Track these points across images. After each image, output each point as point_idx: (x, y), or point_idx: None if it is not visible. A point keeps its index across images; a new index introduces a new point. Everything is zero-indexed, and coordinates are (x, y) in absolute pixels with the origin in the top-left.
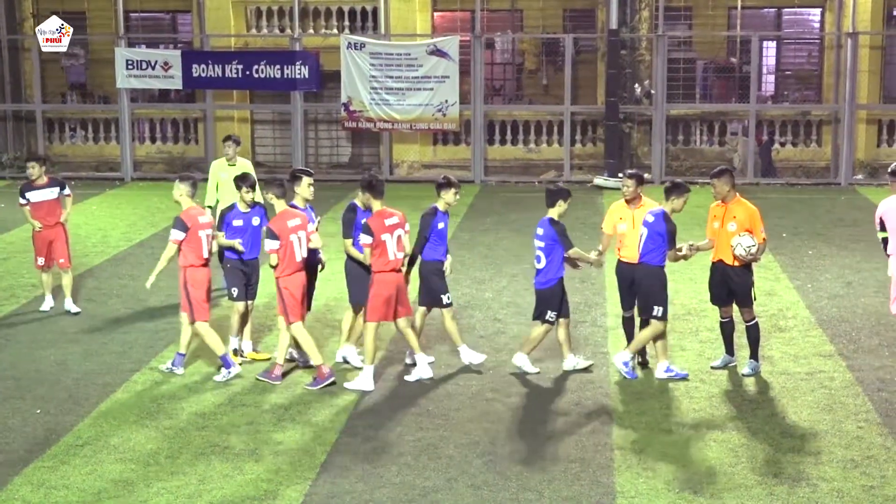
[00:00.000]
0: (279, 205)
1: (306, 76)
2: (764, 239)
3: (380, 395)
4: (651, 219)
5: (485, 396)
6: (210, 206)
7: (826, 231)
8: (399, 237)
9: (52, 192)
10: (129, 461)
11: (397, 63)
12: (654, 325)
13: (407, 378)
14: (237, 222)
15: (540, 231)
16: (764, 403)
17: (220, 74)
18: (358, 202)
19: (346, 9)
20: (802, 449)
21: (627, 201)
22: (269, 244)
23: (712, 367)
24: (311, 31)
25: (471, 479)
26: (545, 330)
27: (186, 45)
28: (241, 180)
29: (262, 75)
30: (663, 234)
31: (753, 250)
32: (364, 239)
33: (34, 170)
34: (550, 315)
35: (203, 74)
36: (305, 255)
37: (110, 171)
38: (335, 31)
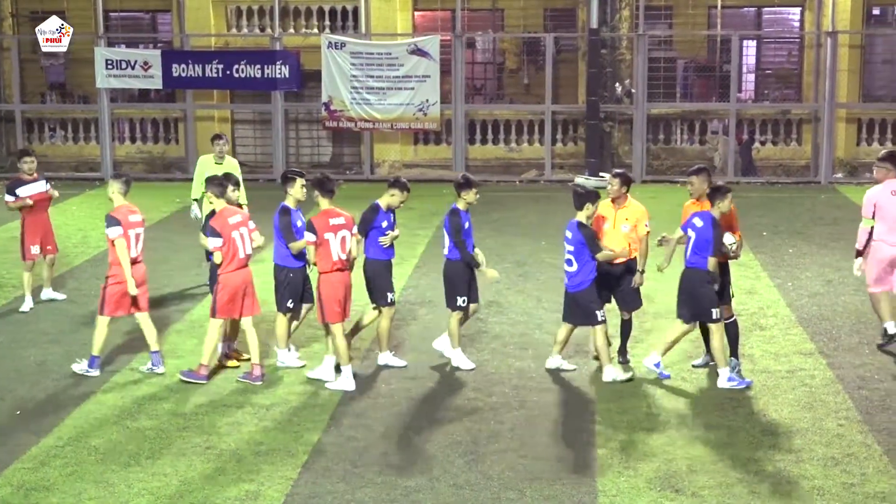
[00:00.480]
0: (218, 203)
1: (287, 76)
2: (740, 236)
3: (362, 396)
4: (700, 223)
5: (466, 396)
6: (196, 200)
7: (806, 229)
8: (343, 238)
9: (43, 185)
10: (110, 462)
11: (378, 62)
12: (717, 328)
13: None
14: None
15: (569, 235)
16: (744, 401)
17: (201, 74)
18: (381, 202)
19: (326, 8)
20: (783, 447)
21: (612, 200)
22: (212, 242)
23: (693, 366)
24: (292, 30)
25: (453, 479)
26: (603, 331)
27: (166, 45)
28: (227, 179)
29: (243, 75)
30: (710, 240)
31: (735, 247)
32: (308, 237)
33: (33, 164)
34: (601, 315)
35: (183, 74)
36: (250, 252)
37: (90, 172)
38: (316, 30)
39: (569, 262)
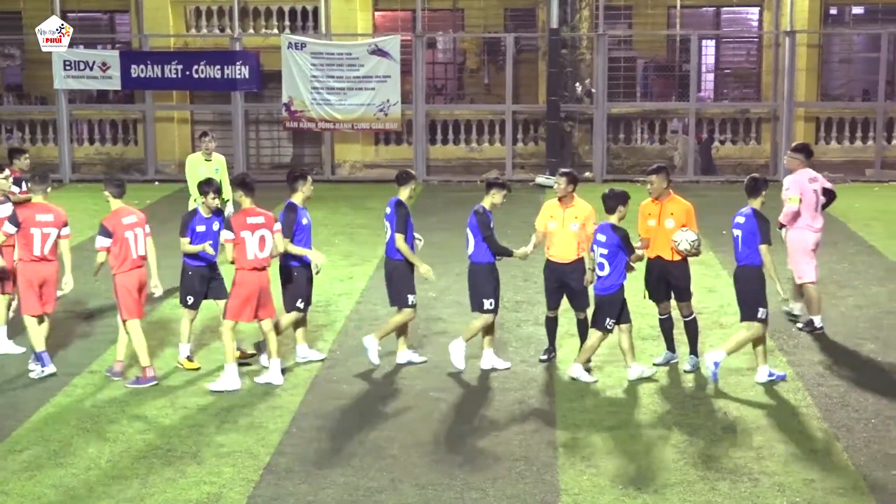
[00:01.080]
0: (115, 203)
1: (247, 76)
2: (698, 234)
3: (323, 396)
4: (742, 220)
5: (429, 396)
6: (195, 199)
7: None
8: (262, 237)
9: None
10: (70, 466)
11: (338, 63)
12: (755, 328)
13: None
14: (200, 228)
15: (602, 238)
16: (705, 399)
17: (160, 75)
18: (402, 196)
19: (286, 8)
20: (744, 444)
21: (559, 200)
22: (101, 241)
23: (654, 364)
24: (252, 30)
25: (415, 479)
26: (600, 338)
27: (125, 46)
28: (207, 185)
29: (202, 76)
30: (756, 233)
31: (697, 244)
32: (225, 235)
33: (27, 161)
34: (609, 323)
35: (142, 75)
36: (143, 253)
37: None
38: (276, 30)
39: (601, 266)
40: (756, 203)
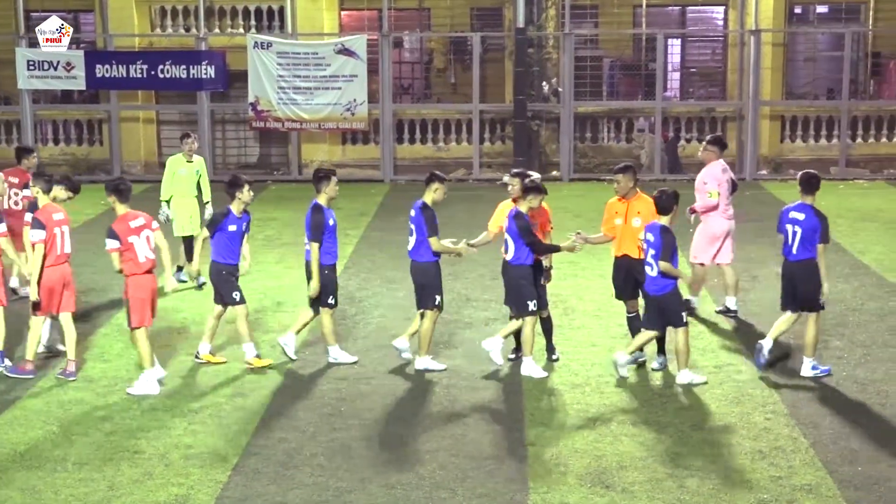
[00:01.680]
0: (42, 199)
1: (212, 76)
2: None
3: (291, 397)
4: (801, 216)
5: (397, 396)
6: (165, 201)
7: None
8: (147, 237)
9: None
10: (36, 469)
11: (305, 62)
12: (815, 318)
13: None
14: (232, 227)
15: (651, 238)
16: (673, 397)
17: (125, 75)
18: (428, 200)
19: (252, 8)
20: (712, 441)
21: (514, 200)
22: (36, 234)
23: (640, 364)
24: (217, 30)
25: (384, 479)
26: (686, 332)
27: (89, 45)
28: (240, 182)
29: (168, 75)
30: (817, 228)
31: None
32: (110, 244)
33: (34, 160)
34: (684, 316)
35: (107, 75)
36: (69, 250)
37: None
38: (241, 30)
39: (650, 266)
40: (810, 200)
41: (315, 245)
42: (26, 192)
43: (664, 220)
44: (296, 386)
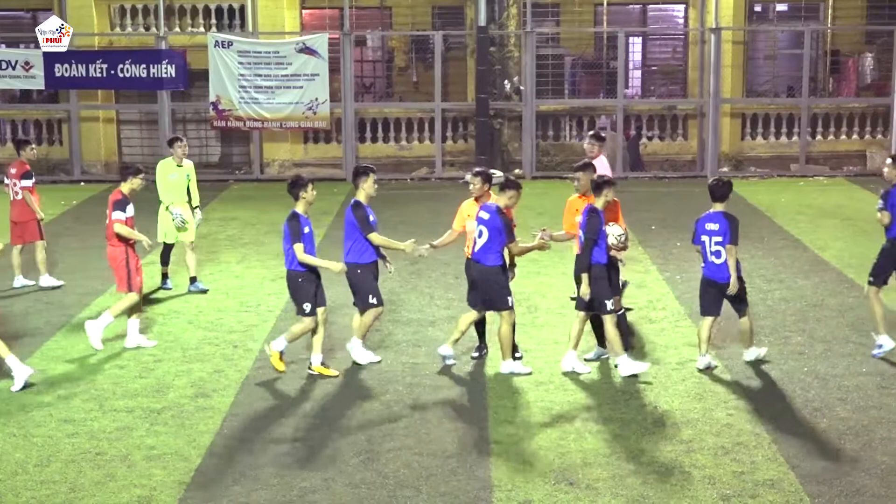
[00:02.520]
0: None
1: (173, 75)
2: (625, 228)
3: (255, 397)
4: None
5: (361, 394)
6: (168, 206)
7: (694, 223)
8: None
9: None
10: None
11: (266, 61)
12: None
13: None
14: (306, 229)
15: (714, 227)
16: (636, 393)
17: (84, 74)
18: (500, 202)
19: (212, 7)
20: (674, 437)
21: (476, 199)
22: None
23: (586, 360)
24: (178, 29)
25: (348, 479)
26: (750, 318)
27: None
28: (303, 181)
29: (128, 74)
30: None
31: (623, 239)
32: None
33: (34, 151)
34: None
35: (66, 74)
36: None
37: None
38: (202, 29)
39: (717, 254)
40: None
41: (374, 236)
42: (25, 183)
43: (720, 208)
44: (259, 386)
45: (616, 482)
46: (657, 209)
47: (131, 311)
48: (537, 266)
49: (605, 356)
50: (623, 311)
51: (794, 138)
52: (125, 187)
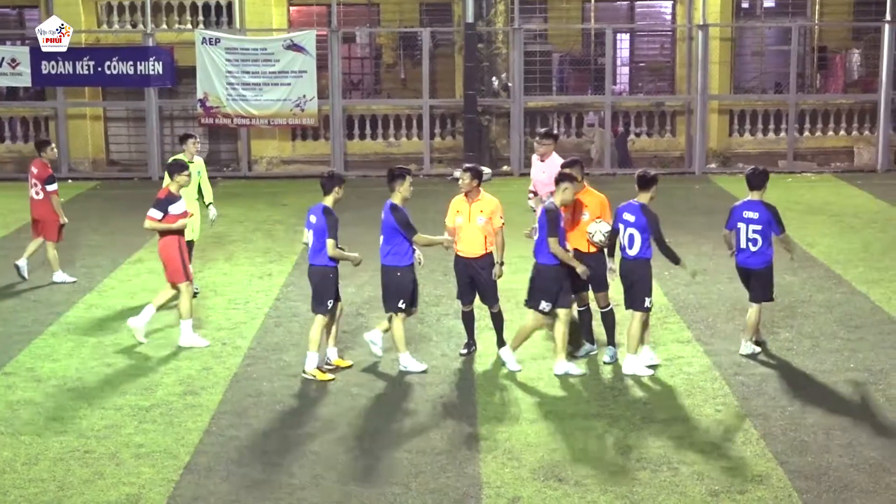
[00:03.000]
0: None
1: (160, 72)
2: (613, 225)
3: (243, 394)
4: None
5: (350, 392)
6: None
7: (681, 219)
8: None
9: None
10: None
11: (253, 58)
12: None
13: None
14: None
15: (753, 215)
16: (625, 390)
17: (71, 71)
18: (555, 200)
19: (199, 3)
20: (663, 433)
21: (465, 195)
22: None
23: (574, 356)
24: (165, 26)
25: (337, 476)
26: (759, 313)
27: (35, 42)
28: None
29: (115, 72)
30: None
31: (611, 236)
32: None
33: (55, 152)
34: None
35: (53, 71)
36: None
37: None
38: (189, 26)
39: (754, 242)
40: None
41: (419, 237)
42: (50, 188)
43: (757, 196)
44: (247, 384)
45: (605, 479)
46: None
47: (184, 308)
48: (525, 263)
49: (594, 352)
50: (584, 307)
51: (782, 135)
52: (173, 185)
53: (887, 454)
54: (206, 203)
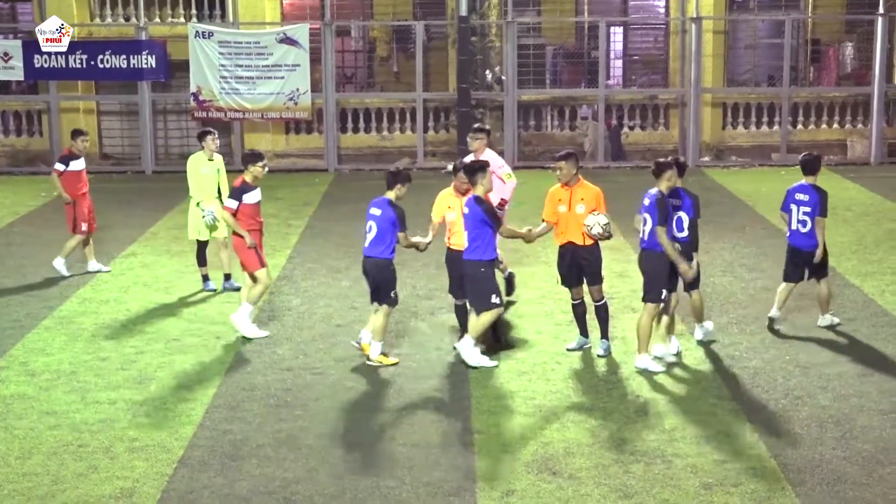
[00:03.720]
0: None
1: (153, 66)
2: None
3: (237, 388)
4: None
5: (344, 385)
6: (199, 203)
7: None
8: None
9: (84, 162)
10: None
11: (247, 51)
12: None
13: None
14: None
15: (804, 197)
16: (618, 383)
17: (64, 65)
18: (661, 187)
19: None
20: (657, 426)
21: (454, 189)
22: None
23: (567, 350)
24: (158, 19)
25: (331, 469)
26: (828, 284)
27: (27, 35)
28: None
29: (108, 65)
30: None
31: (608, 228)
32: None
33: (87, 142)
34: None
35: (46, 65)
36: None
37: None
38: (182, 19)
39: (803, 223)
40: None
41: (504, 228)
42: (57, 166)
43: (811, 180)
44: (241, 377)
45: (599, 471)
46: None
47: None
48: (518, 255)
49: (587, 345)
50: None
51: (775, 127)
52: (247, 175)
53: (881, 447)
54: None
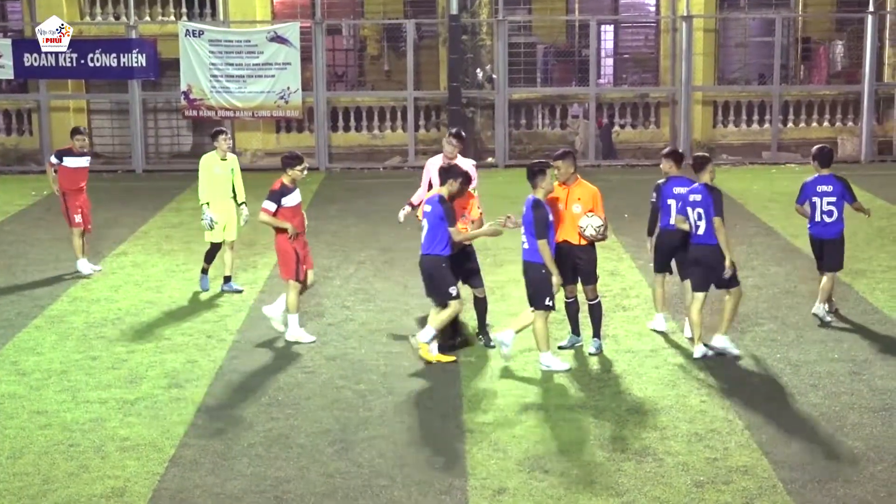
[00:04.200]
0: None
1: (144, 64)
2: (605, 218)
3: (228, 387)
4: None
5: (335, 384)
6: (206, 204)
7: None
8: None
9: (86, 161)
10: None
11: (237, 50)
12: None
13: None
14: None
15: (828, 188)
16: (610, 381)
17: (54, 64)
18: (705, 179)
19: None
20: (648, 424)
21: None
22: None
23: (559, 348)
24: (148, 18)
25: (323, 468)
26: (832, 278)
27: (17, 34)
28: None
29: (98, 64)
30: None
31: (602, 230)
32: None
33: (84, 141)
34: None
35: (35, 64)
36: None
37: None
38: (172, 17)
39: (829, 213)
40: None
41: (543, 242)
42: (51, 159)
43: (827, 171)
44: (232, 376)
45: (591, 469)
46: (630, 197)
47: (293, 303)
48: (511, 254)
49: (579, 343)
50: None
51: (766, 125)
52: (286, 178)
53: (871, 444)
54: (239, 203)
